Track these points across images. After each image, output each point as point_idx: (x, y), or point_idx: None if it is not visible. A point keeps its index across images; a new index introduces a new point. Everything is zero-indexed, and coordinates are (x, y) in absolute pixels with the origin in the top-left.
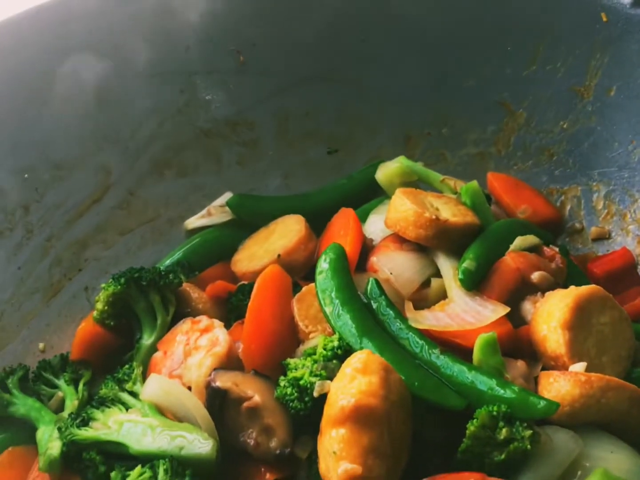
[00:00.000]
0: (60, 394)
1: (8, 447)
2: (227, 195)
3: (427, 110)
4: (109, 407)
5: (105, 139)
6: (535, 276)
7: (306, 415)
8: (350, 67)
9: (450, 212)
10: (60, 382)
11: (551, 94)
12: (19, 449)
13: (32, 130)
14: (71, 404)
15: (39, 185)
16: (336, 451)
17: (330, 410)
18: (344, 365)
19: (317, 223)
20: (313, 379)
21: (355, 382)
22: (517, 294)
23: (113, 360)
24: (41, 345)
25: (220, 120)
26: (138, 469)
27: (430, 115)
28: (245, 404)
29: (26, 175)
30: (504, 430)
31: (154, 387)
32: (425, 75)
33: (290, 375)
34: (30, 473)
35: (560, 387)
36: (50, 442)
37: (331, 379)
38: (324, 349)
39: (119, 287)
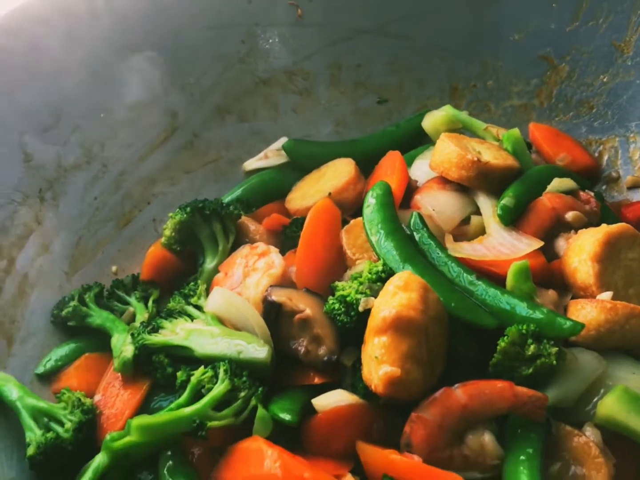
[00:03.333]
0: (131, 309)
1: (85, 353)
2: (283, 140)
3: (474, 63)
4: (176, 318)
5: (172, 85)
6: (570, 215)
7: (351, 328)
8: (402, 22)
9: (492, 155)
10: (132, 299)
11: (592, 48)
12: (95, 355)
13: (107, 74)
14: (141, 317)
15: (113, 124)
16: (378, 356)
17: (374, 321)
18: (386, 284)
19: (366, 167)
20: (358, 296)
21: (396, 297)
22: (552, 232)
23: (178, 283)
24: (114, 268)
25: (278, 69)
26: (201, 369)
27: (477, 68)
28: (298, 316)
29: (102, 115)
30: (532, 347)
31: (218, 299)
32: (473, 30)
33: (338, 293)
34: (104, 375)
35: (587, 313)
36: (123, 346)
37: (375, 297)
38: (369, 273)
39: (185, 215)
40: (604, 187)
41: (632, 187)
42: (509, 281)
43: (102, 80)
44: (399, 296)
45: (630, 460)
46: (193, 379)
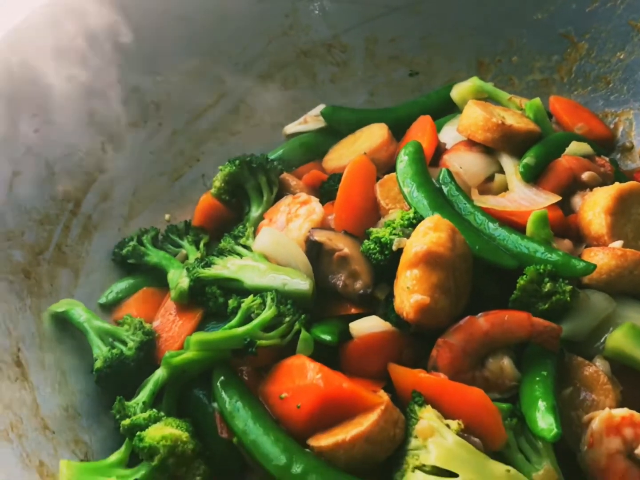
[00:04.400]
0: (184, 251)
1: (143, 287)
2: (321, 107)
3: (499, 40)
4: (226, 256)
5: (220, 54)
6: (586, 175)
7: (385, 265)
8: (433, 1)
9: (515, 120)
10: (184, 242)
11: (610, 27)
12: (152, 289)
13: (163, 42)
14: (193, 259)
15: (168, 88)
16: (409, 286)
17: (406, 256)
18: (418, 226)
19: (397, 133)
20: (392, 237)
21: (427, 236)
22: (569, 191)
23: (225, 230)
24: (167, 216)
25: (318, 42)
26: (251, 297)
27: (502, 45)
28: (337, 254)
29: (158, 79)
30: (548, 285)
31: (265, 237)
32: (499, 9)
33: (373, 236)
34: (161, 305)
35: (599, 259)
36: (179, 279)
37: (407, 238)
38: (402, 219)
39: (234, 168)
40: (618, 156)
41: None
42: (529, 228)
43: (157, 47)
44: (430, 235)
45: (636, 388)
46: (243, 305)
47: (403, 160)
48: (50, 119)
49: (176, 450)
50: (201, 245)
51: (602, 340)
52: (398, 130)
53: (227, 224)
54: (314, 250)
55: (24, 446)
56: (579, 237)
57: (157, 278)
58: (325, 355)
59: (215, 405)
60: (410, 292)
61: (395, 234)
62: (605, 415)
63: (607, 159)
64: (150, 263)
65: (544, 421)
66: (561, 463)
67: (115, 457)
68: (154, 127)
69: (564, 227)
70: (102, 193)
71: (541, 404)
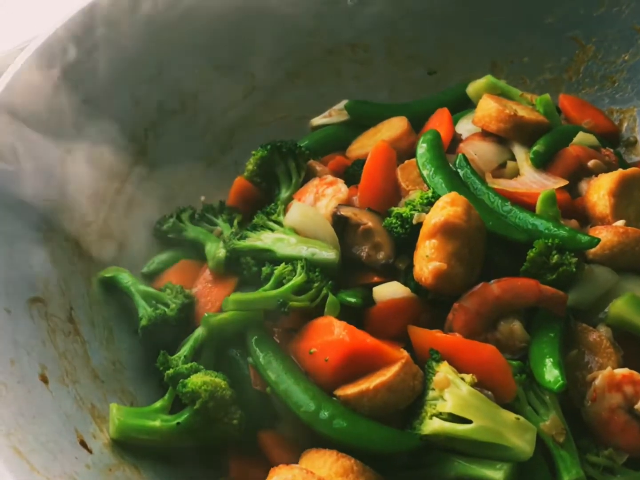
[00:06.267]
0: (219, 228)
1: (182, 259)
2: (345, 101)
3: (512, 42)
4: (259, 231)
5: (251, 51)
6: (591, 163)
7: (405, 238)
8: (450, 4)
9: (526, 112)
10: (219, 220)
11: (616, 31)
12: (190, 261)
13: (201, 39)
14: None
15: (205, 80)
16: (428, 255)
17: (425, 228)
18: (436, 202)
19: (416, 126)
20: (412, 212)
21: (445, 210)
22: (576, 177)
23: (257, 211)
24: (202, 197)
25: (342, 42)
26: (282, 265)
27: (514, 47)
28: (361, 227)
29: (196, 71)
30: (555, 257)
31: (296, 211)
32: (512, 13)
33: (395, 212)
34: (199, 275)
35: (603, 236)
36: (217, 250)
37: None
38: (421, 198)
39: (265, 152)
40: (623, 150)
41: None
42: (538, 206)
43: (195, 42)
44: (447, 209)
45: (637, 353)
46: (276, 272)
47: (422, 146)
48: (98, 104)
49: (216, 394)
50: (235, 223)
51: (605, 310)
52: (416, 124)
53: (259, 205)
54: (340, 224)
55: (77, 390)
56: (585, 218)
57: (194, 252)
58: (350, 318)
59: (249, 360)
60: (429, 260)
61: (415, 210)
62: (608, 373)
63: (612, 150)
64: (189, 238)
65: (551, 374)
66: (566, 418)
67: (159, 404)
68: (190, 116)
69: (571, 209)
70: (143, 174)
71: (548, 360)
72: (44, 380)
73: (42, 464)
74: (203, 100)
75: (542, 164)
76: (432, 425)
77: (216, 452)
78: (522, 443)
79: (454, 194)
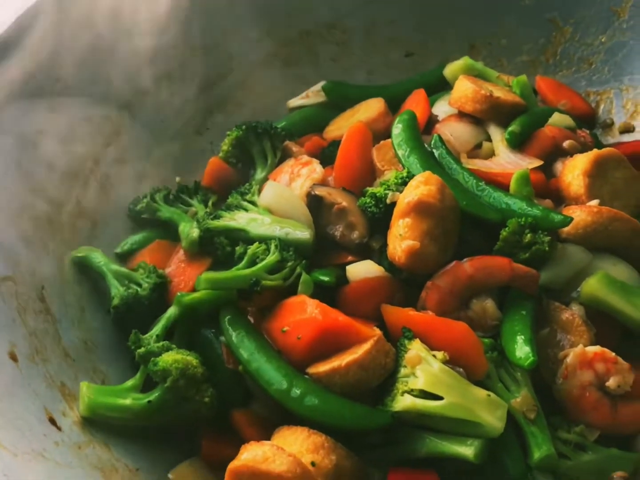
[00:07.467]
0: (193, 209)
1: (156, 240)
2: (322, 83)
3: (490, 24)
4: (233, 211)
5: (229, 31)
6: (567, 143)
7: (380, 218)
8: None
9: (502, 93)
10: (194, 201)
11: (593, 13)
12: (164, 242)
13: (174, 19)
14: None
15: (179, 61)
16: (402, 233)
17: (399, 207)
18: (410, 181)
19: (394, 109)
20: (387, 192)
21: (418, 189)
22: (551, 158)
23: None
24: (178, 178)
25: (320, 23)
26: (256, 244)
27: (492, 29)
28: (335, 207)
29: (171, 52)
30: (528, 236)
31: (270, 191)
32: None
33: (369, 191)
34: (172, 255)
35: (577, 215)
36: (190, 229)
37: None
38: (396, 178)
39: (241, 132)
40: (599, 132)
41: (624, 131)
42: (512, 186)
43: (169, 23)
44: (421, 188)
45: (609, 332)
46: (249, 251)
47: (398, 127)
48: (70, 84)
49: (187, 372)
50: (209, 203)
51: (578, 289)
52: (394, 106)
53: (234, 186)
54: (315, 204)
55: (47, 368)
56: (560, 198)
57: (169, 232)
58: (324, 298)
59: (222, 338)
60: (402, 238)
61: (389, 190)
62: (579, 351)
63: (588, 131)
64: (163, 218)
65: (521, 351)
66: (538, 396)
67: (130, 383)
68: (166, 96)
69: (546, 189)
70: (118, 154)
71: (519, 338)
72: (13, 358)
73: (10, 441)
74: (178, 82)
75: (518, 144)
76: (403, 402)
77: (189, 431)
78: (493, 419)
79: (427, 173)
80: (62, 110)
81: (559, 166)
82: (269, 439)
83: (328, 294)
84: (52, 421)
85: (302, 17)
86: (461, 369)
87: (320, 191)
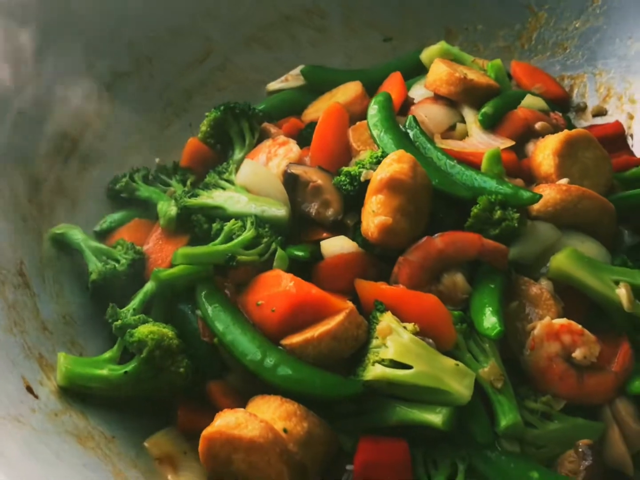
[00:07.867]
0: (172, 189)
1: (134, 218)
2: (302, 66)
3: (467, 10)
4: (211, 189)
5: (209, 14)
6: (539, 125)
7: (354, 196)
8: None
9: (476, 76)
10: (173, 182)
11: None
12: (143, 220)
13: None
14: None
15: (159, 43)
16: (374, 210)
17: (372, 184)
18: (384, 159)
19: (371, 92)
20: (361, 170)
21: (391, 166)
22: (523, 139)
23: None
24: (157, 159)
25: (299, 7)
26: (232, 220)
27: (469, 14)
28: (311, 185)
29: (151, 34)
30: (498, 212)
31: (247, 169)
32: None
33: (345, 170)
34: (151, 233)
35: (546, 193)
36: (168, 207)
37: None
38: (371, 157)
39: (219, 113)
40: (573, 115)
41: (597, 114)
42: (483, 164)
43: (150, 4)
44: (394, 165)
45: (576, 306)
46: (226, 228)
47: (374, 108)
48: (47, 63)
49: (162, 343)
50: (188, 183)
51: (547, 265)
52: (372, 90)
53: (212, 166)
54: (290, 182)
55: (25, 340)
56: (531, 178)
57: (147, 212)
58: (299, 274)
59: (198, 312)
60: (375, 214)
61: (364, 168)
62: (546, 322)
63: (560, 114)
64: (142, 197)
65: (489, 321)
66: (506, 367)
67: (107, 354)
68: (146, 78)
69: (518, 169)
70: (97, 134)
71: (487, 309)
72: None
73: None
74: (158, 64)
75: (490, 125)
76: (374, 371)
77: (166, 402)
78: (461, 387)
79: (401, 151)
80: (40, 89)
81: (530, 147)
82: (243, 408)
83: (304, 270)
84: (30, 389)
85: (282, 1)
86: (431, 340)
87: (296, 169)
